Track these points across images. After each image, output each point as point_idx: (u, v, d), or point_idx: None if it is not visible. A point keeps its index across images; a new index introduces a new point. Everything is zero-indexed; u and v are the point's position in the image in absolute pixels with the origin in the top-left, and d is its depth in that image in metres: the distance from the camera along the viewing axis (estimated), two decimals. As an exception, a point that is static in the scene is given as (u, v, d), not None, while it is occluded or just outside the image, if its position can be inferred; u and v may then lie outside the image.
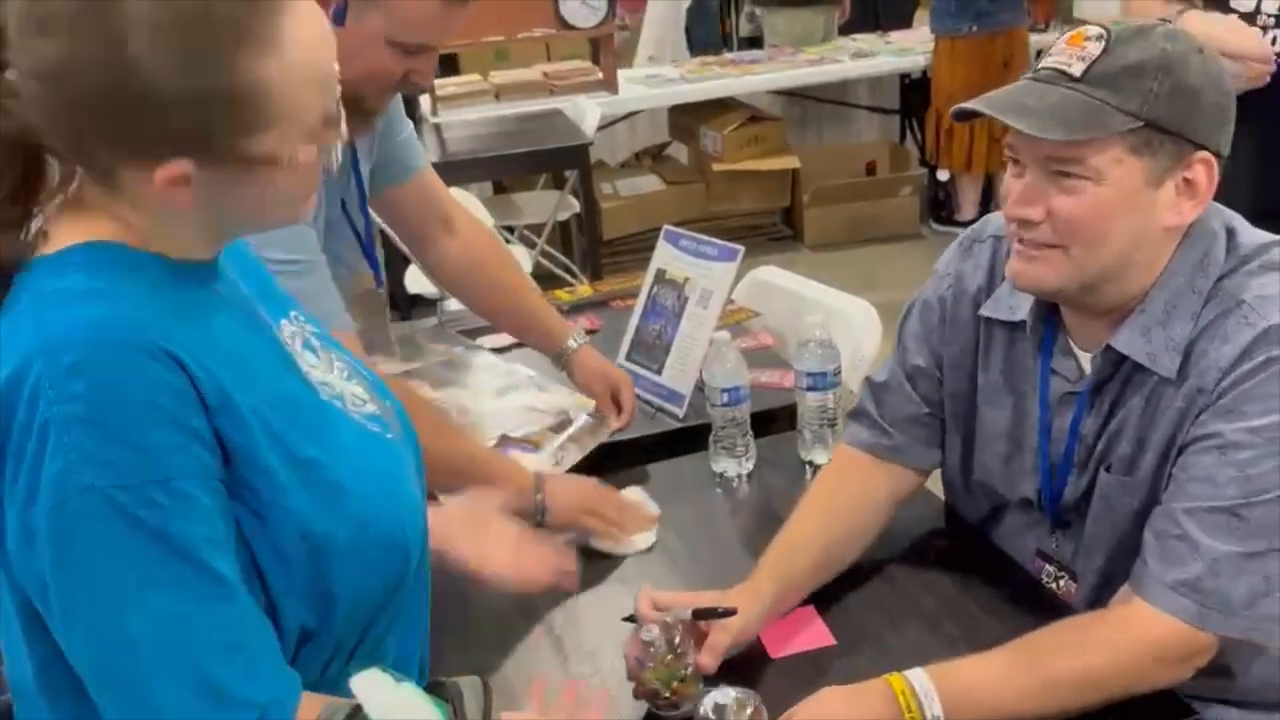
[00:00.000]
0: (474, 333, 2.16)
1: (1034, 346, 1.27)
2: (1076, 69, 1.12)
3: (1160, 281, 1.17)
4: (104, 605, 0.80)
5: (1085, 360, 1.24)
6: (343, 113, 0.90)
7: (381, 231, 3.23)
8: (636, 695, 1.16)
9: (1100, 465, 1.23)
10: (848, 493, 1.39)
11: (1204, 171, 1.13)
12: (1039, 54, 4.90)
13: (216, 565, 0.82)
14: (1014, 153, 1.17)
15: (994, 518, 1.40)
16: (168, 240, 0.88)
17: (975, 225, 1.39)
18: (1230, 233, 1.19)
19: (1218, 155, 1.13)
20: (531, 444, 1.71)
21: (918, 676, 1.10)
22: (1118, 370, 1.20)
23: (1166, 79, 1.10)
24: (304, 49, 0.82)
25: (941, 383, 1.37)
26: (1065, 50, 1.15)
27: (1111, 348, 1.18)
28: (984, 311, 1.31)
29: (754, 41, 5.88)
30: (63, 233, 0.87)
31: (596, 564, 1.46)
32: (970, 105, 1.17)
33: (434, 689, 0.73)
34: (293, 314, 1.01)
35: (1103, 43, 1.12)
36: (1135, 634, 1.12)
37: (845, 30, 5.51)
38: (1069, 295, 1.20)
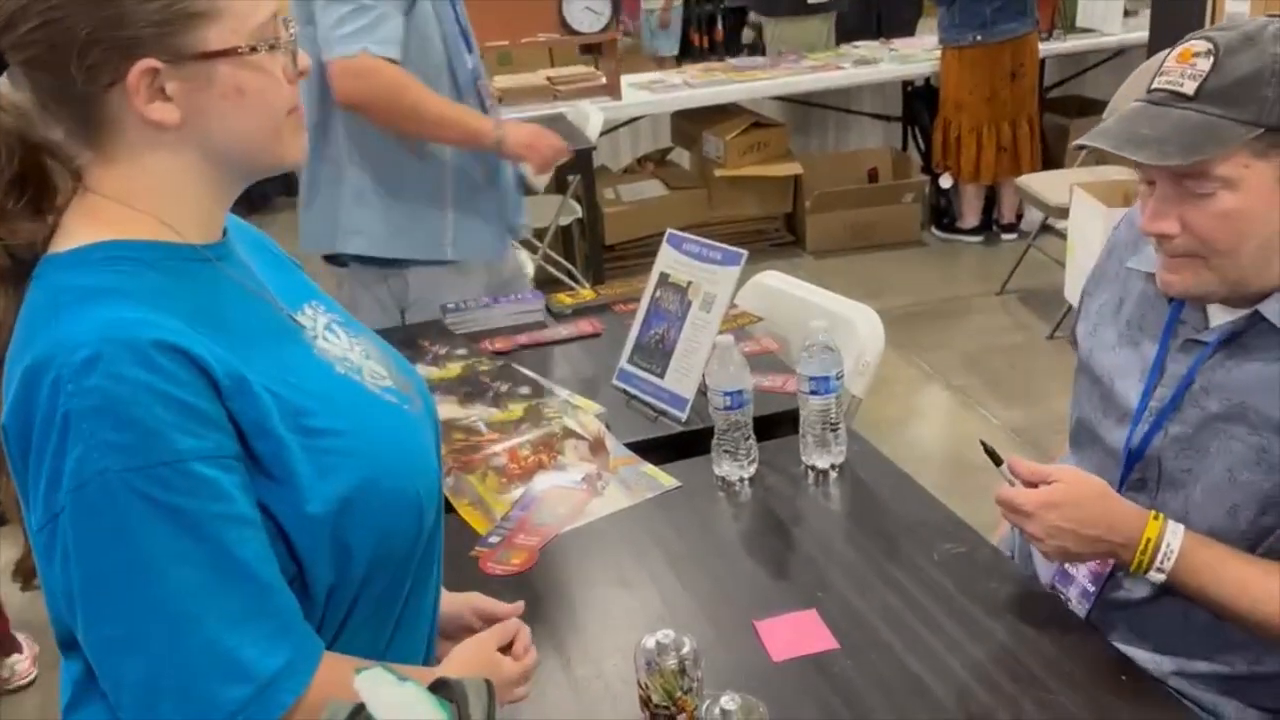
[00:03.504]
0: (477, 335, 2.16)
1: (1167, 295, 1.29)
2: (1189, 88, 1.14)
3: None
4: (119, 579, 0.85)
5: (1214, 312, 1.25)
6: (294, 32, 0.97)
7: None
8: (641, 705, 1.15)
9: (1222, 431, 1.22)
10: None
11: None
12: (1043, 62, 4.93)
13: (227, 539, 0.87)
14: (1144, 172, 1.19)
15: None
16: (177, 212, 0.95)
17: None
18: None
19: None
20: (551, 457, 1.70)
21: (1174, 533, 1.18)
22: (1250, 330, 1.21)
23: None
24: None
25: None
26: (1175, 68, 1.16)
27: (1259, 314, 1.19)
28: (1130, 264, 1.35)
29: (756, 47, 5.90)
30: (79, 228, 0.93)
31: (601, 566, 1.46)
32: (1088, 141, 1.21)
33: (438, 688, 0.73)
34: (313, 302, 1.09)
35: (1211, 58, 1.13)
36: None
37: (848, 37, 5.53)
38: (1219, 297, 1.22)
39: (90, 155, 0.94)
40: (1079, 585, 1.37)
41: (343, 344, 1.06)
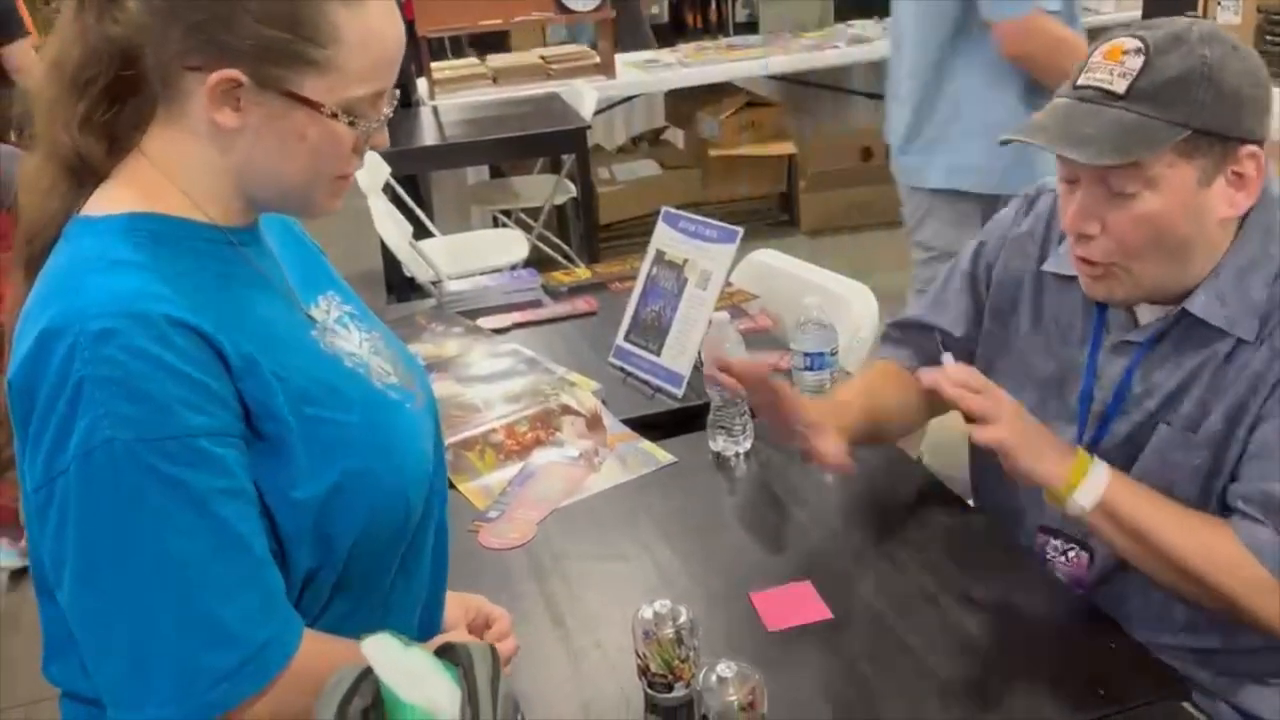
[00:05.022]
0: (473, 314, 2.17)
1: (1086, 296, 1.30)
2: (1119, 86, 1.15)
3: (1232, 249, 1.20)
4: (117, 545, 0.87)
5: (1141, 311, 1.27)
6: (387, 113, 0.98)
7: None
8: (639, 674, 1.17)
9: (1157, 420, 1.25)
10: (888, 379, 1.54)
11: (1252, 163, 1.16)
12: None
13: (226, 514, 0.90)
14: (1068, 171, 1.21)
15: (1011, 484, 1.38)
16: (209, 197, 0.96)
17: (1038, 185, 1.44)
18: None
19: (1260, 143, 1.16)
20: (548, 433, 1.72)
21: (1100, 467, 1.20)
22: (1179, 326, 1.23)
23: (1210, 87, 1.13)
24: (379, 22, 0.93)
25: (979, 324, 1.46)
26: (1103, 65, 1.17)
27: (1187, 311, 1.21)
28: (1046, 267, 1.36)
29: (751, 26, 5.88)
30: (116, 192, 0.95)
31: (599, 539, 1.48)
32: (1020, 137, 1.20)
33: (443, 653, 0.75)
34: (330, 292, 1.10)
35: (1142, 56, 1.14)
36: (1256, 583, 1.15)
37: (842, 15, 5.52)
38: (1139, 300, 1.26)
39: (159, 111, 0.95)
40: None
41: (353, 338, 1.07)
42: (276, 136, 0.93)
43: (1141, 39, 1.15)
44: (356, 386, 1.02)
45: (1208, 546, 1.17)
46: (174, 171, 0.95)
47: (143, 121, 0.96)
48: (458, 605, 1.21)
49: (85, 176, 0.95)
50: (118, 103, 0.95)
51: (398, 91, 0.99)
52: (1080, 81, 1.19)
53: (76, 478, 0.86)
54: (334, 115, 0.93)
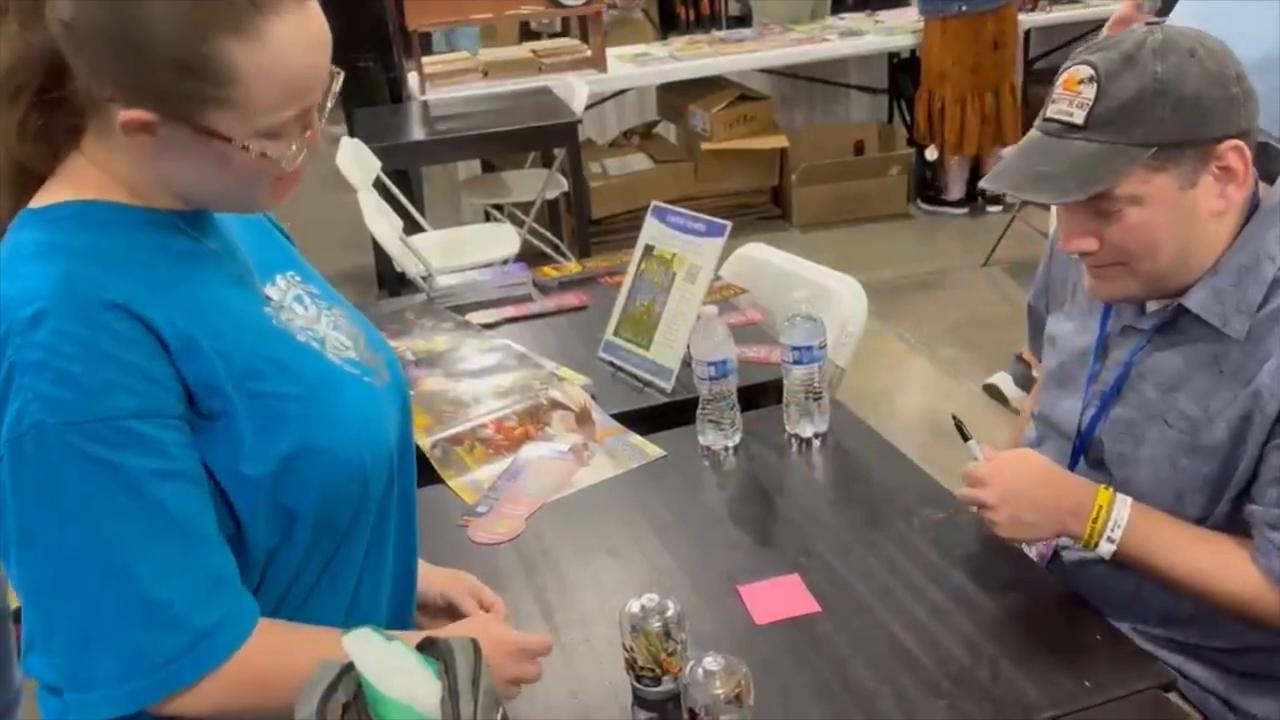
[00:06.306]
0: (463, 309, 2.17)
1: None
2: (1078, 117, 1.15)
3: (1235, 247, 1.19)
4: (52, 529, 0.88)
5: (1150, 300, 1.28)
6: (320, 123, 0.97)
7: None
8: (627, 667, 1.17)
9: (1157, 415, 1.25)
10: None
11: (1235, 156, 1.14)
12: (1029, 33, 4.93)
13: (162, 496, 0.90)
14: None
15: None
16: (151, 190, 0.96)
17: None
18: None
19: (1243, 135, 1.15)
20: (538, 428, 1.72)
21: (1123, 503, 1.22)
22: (1178, 322, 1.24)
23: (1166, 102, 1.12)
24: (282, 51, 0.89)
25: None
26: (1064, 96, 1.17)
27: (1183, 306, 1.21)
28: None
29: (743, 20, 5.88)
30: (58, 186, 0.95)
31: (588, 534, 1.48)
32: (989, 184, 1.22)
33: (425, 647, 0.75)
34: (290, 272, 1.10)
35: (1094, 84, 1.14)
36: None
37: (834, 9, 5.52)
38: (1143, 297, 1.27)
39: (91, 122, 0.95)
40: None
41: (309, 315, 1.07)
42: (197, 162, 0.93)
43: (1093, 65, 1.15)
44: (307, 361, 1.02)
45: (1231, 577, 1.19)
46: (114, 171, 0.96)
47: (78, 131, 0.96)
48: (455, 580, 1.23)
49: (28, 186, 0.95)
50: (50, 112, 0.95)
51: (328, 105, 0.97)
52: (1047, 114, 1.19)
53: (9, 462, 0.87)
54: (245, 148, 0.91)
